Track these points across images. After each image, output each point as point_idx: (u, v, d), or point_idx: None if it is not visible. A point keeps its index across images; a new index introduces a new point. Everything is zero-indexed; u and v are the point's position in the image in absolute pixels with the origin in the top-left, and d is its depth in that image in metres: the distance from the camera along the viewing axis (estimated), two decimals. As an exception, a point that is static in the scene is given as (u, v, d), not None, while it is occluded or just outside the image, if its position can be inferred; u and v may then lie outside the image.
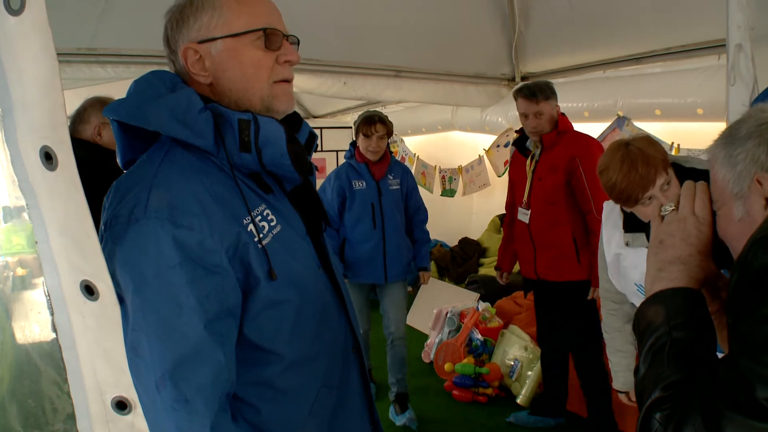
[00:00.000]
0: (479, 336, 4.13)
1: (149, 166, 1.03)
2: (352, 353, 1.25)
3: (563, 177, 3.06)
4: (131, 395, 0.86)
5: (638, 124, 3.95)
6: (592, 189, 2.98)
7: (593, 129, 3.94)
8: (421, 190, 4.07)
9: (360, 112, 7.32)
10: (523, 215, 3.22)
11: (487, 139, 5.47)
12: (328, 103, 7.47)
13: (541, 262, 3.17)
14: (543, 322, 3.38)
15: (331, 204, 3.52)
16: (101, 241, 0.93)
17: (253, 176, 1.11)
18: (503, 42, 4.72)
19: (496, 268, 3.65)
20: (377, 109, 6.80)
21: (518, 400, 3.72)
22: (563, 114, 3.17)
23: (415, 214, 3.68)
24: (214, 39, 1.08)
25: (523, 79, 4.94)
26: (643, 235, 1.89)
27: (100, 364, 0.84)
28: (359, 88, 4.42)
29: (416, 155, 6.74)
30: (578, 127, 3.21)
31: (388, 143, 3.54)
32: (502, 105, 4.98)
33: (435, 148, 6.60)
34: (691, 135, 3.71)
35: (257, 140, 1.06)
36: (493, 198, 5.86)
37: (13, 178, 1.22)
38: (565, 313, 3.20)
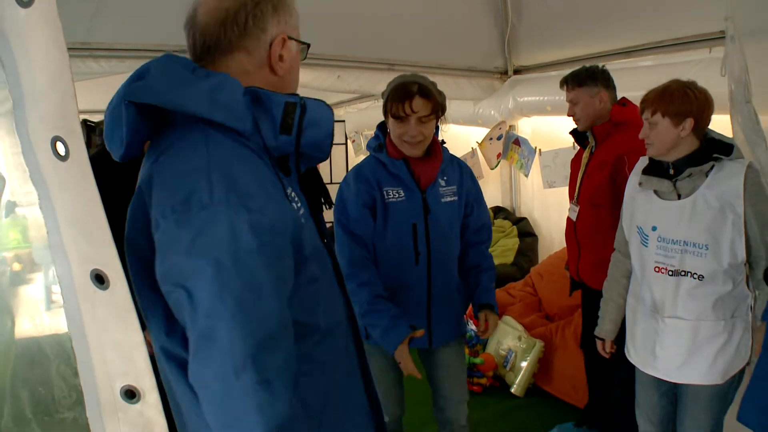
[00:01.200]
0: (473, 327, 4.15)
1: (194, 151, 1.02)
2: (349, 322, 1.32)
3: (609, 176, 2.71)
4: (140, 384, 0.87)
5: (630, 116, 3.98)
6: None
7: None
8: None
9: (355, 105, 7.33)
10: (572, 212, 2.98)
11: (480, 132, 5.49)
12: (321, 96, 7.43)
13: (583, 265, 2.91)
14: (586, 326, 3.06)
15: (359, 219, 2.17)
16: (156, 230, 0.94)
17: (276, 159, 1.13)
18: (496, 35, 4.73)
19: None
20: (371, 101, 6.85)
21: (512, 390, 3.76)
22: (621, 103, 2.84)
23: (475, 233, 2.39)
24: (293, 39, 1.15)
25: (515, 72, 4.96)
26: (654, 179, 2.08)
27: (109, 353, 0.85)
28: (353, 81, 4.42)
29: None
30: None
31: (437, 127, 2.23)
32: (494, 98, 4.99)
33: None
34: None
35: (301, 122, 1.08)
36: (487, 191, 5.80)
37: (11, 173, 1.22)
38: None
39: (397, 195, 2.19)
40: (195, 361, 0.93)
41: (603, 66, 2.91)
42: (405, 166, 2.19)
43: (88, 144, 3.33)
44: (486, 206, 2.45)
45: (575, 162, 3.08)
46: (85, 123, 3.36)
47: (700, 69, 3.31)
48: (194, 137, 1.03)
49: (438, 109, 2.13)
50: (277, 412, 0.95)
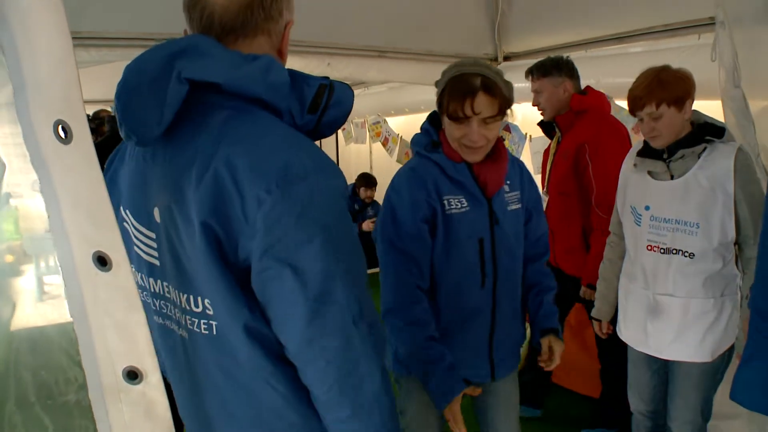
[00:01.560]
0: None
1: (261, 130, 1.04)
2: None
3: (572, 164, 2.79)
4: (142, 365, 0.87)
5: (620, 102, 3.98)
6: (599, 181, 2.62)
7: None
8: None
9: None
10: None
11: (471, 120, 5.50)
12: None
13: (558, 252, 2.99)
14: None
15: (415, 237, 1.78)
16: (260, 206, 0.95)
17: None
18: (486, 22, 4.73)
19: None
20: (361, 89, 6.83)
21: (505, 375, 3.79)
22: (582, 93, 2.90)
23: (534, 245, 2.03)
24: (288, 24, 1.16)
25: (505, 59, 4.96)
26: (648, 161, 2.15)
27: (111, 334, 0.85)
28: (343, 68, 4.40)
29: (399, 136, 6.74)
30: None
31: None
32: (485, 85, 5.00)
33: (418, 129, 6.59)
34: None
35: (328, 101, 1.11)
36: (477, 178, 5.89)
37: (6, 165, 1.22)
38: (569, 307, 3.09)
39: (459, 205, 1.80)
40: (311, 327, 0.98)
41: (567, 56, 2.98)
42: (467, 169, 1.82)
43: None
44: (544, 214, 2.09)
45: (546, 152, 3.15)
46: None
47: (689, 55, 3.34)
48: (245, 117, 1.04)
49: (505, 106, 1.75)
50: (383, 349, 1.06)
